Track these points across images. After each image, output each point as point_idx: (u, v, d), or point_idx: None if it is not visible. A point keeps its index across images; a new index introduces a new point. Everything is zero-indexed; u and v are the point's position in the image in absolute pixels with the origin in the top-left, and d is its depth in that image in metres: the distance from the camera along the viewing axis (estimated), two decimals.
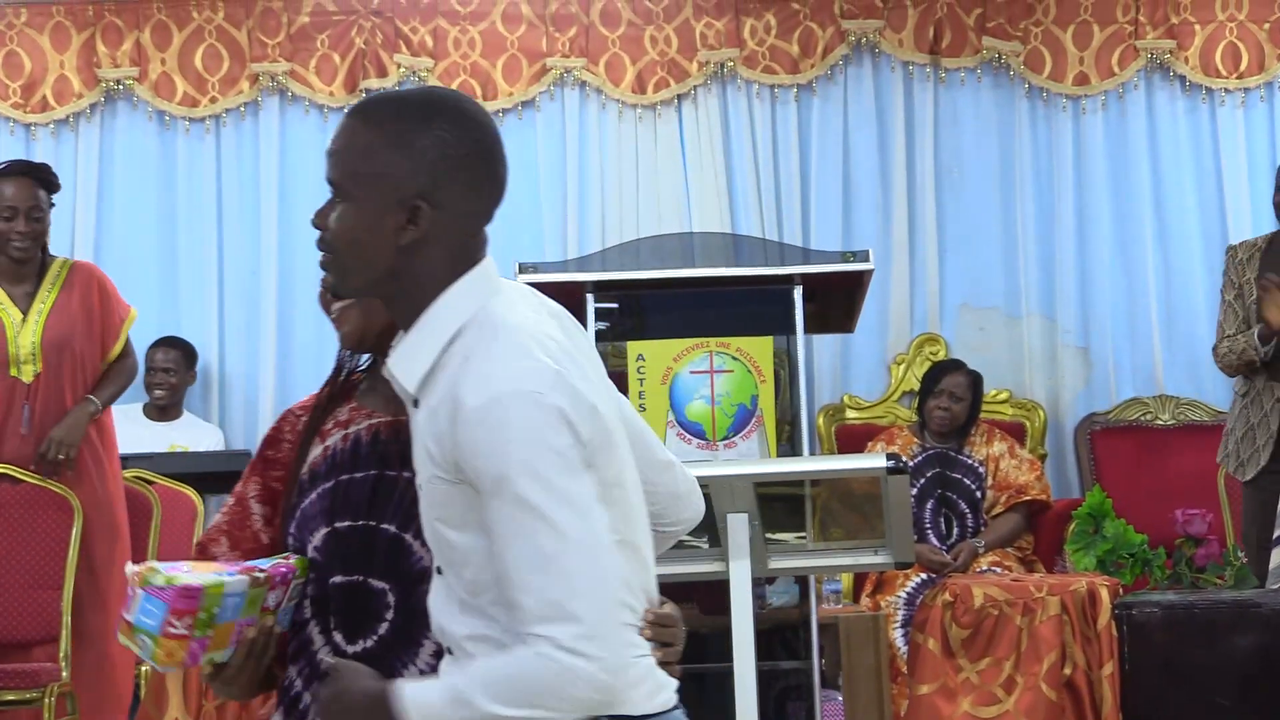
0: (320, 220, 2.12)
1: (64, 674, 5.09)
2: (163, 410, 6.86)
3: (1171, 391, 7.17)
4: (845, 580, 6.28)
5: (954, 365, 6.67)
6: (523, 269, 5.05)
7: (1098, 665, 5.05)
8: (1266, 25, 7.25)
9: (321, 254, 2.14)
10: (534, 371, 1.99)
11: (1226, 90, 7.23)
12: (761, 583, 5.18)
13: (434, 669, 2.13)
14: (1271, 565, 5.00)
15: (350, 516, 2.24)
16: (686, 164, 7.21)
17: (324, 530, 2.26)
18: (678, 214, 7.15)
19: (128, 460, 5.69)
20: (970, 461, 6.51)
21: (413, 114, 2.09)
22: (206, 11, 7.16)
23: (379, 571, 2.22)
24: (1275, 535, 5.02)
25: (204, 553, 2.37)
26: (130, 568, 2.16)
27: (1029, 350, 7.21)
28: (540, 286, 5.07)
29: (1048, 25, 7.26)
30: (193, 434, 6.84)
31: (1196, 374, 7.11)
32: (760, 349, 5.05)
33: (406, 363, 2.09)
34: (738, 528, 3.90)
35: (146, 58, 7.14)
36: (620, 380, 5.00)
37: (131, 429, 6.25)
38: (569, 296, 4.92)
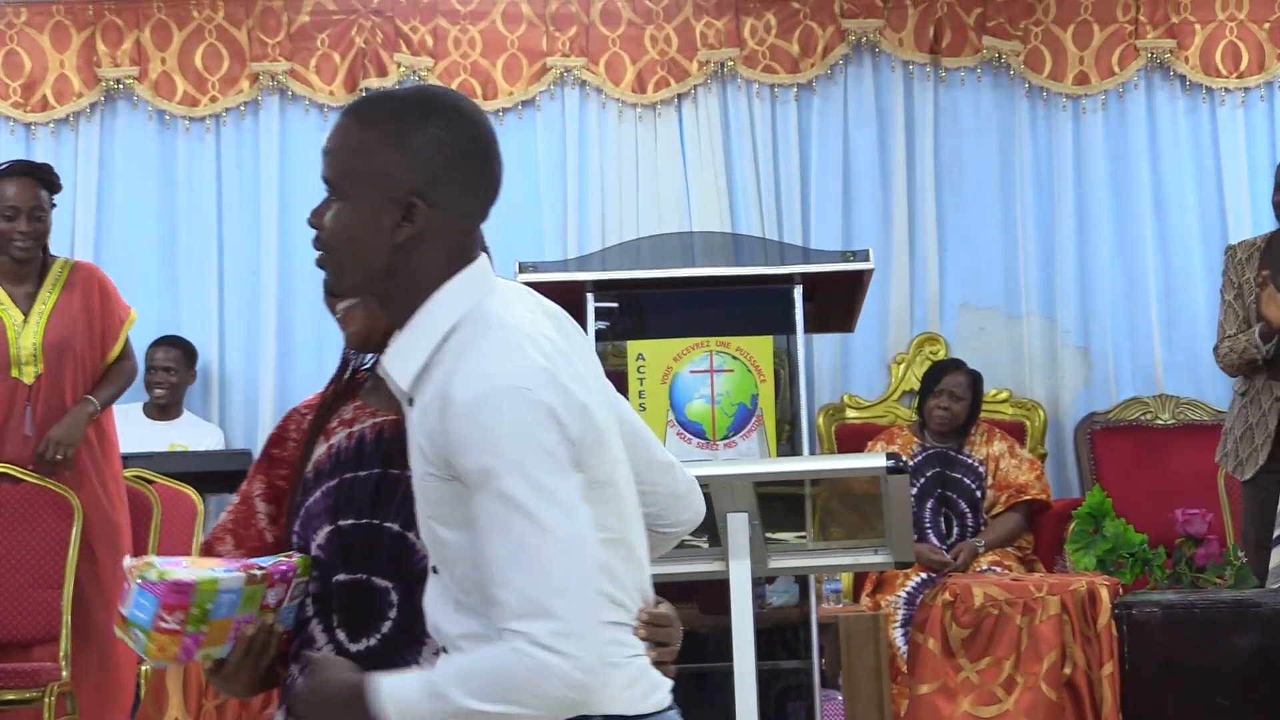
0: (316, 219, 2.12)
1: (64, 674, 5.09)
2: (163, 409, 6.86)
3: (1171, 391, 7.17)
4: (845, 580, 6.28)
5: (954, 365, 6.67)
6: (523, 269, 5.05)
7: (1098, 665, 5.05)
8: (1266, 25, 7.25)
9: (317, 253, 2.14)
10: (525, 368, 1.99)
11: (1226, 90, 7.23)
12: (761, 582, 5.18)
13: None
14: (1271, 565, 5.00)
15: (354, 515, 2.25)
16: (686, 164, 7.21)
17: (327, 528, 2.26)
18: (678, 214, 7.15)
19: (128, 460, 5.69)
20: (970, 461, 6.51)
21: (408, 112, 2.09)
22: (206, 11, 7.16)
23: (382, 570, 2.22)
24: (1275, 535, 5.02)
25: (210, 551, 2.37)
26: (127, 561, 2.17)
27: (1029, 350, 7.21)
28: (540, 286, 5.06)
29: (1048, 25, 7.26)
30: (193, 433, 6.84)
31: (1196, 374, 7.11)
32: (760, 349, 5.05)
33: (400, 360, 2.09)
34: (738, 527, 3.90)
35: (146, 57, 7.14)
36: (620, 380, 5.00)
37: (131, 428, 6.24)
38: (569, 296, 4.92)
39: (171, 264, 7.15)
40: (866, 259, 5.12)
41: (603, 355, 5.68)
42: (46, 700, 5.02)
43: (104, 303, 5.39)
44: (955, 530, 6.42)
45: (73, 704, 5.12)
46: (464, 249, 2.11)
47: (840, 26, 7.23)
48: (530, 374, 1.99)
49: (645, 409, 4.91)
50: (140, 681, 5.25)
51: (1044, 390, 7.20)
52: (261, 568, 2.19)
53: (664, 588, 2.40)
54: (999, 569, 6.17)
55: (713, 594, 4.32)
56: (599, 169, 7.19)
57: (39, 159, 6.09)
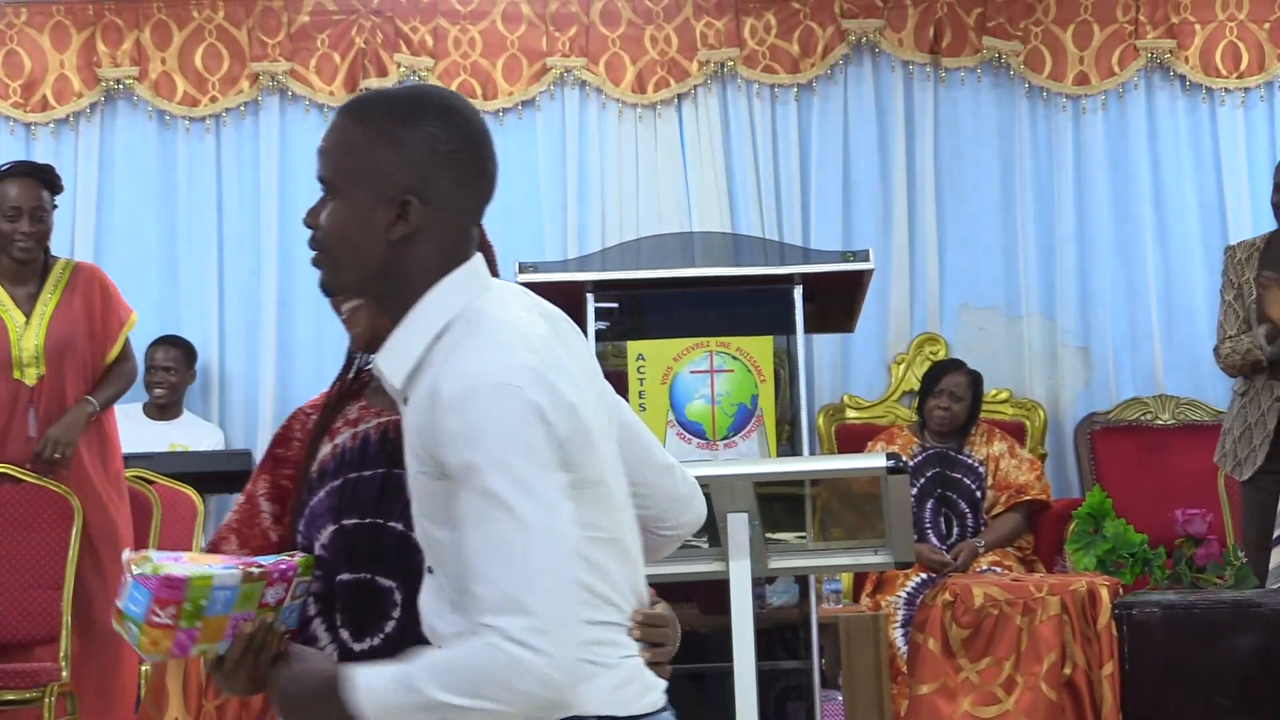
0: (311, 219, 2.13)
1: (64, 674, 5.09)
2: (163, 409, 6.87)
3: (1171, 391, 7.17)
4: (845, 580, 6.28)
5: (954, 365, 6.67)
6: (523, 269, 5.05)
7: (1098, 665, 5.05)
8: (1266, 25, 7.25)
9: (313, 253, 2.15)
10: (513, 366, 1.99)
11: (1226, 90, 7.23)
12: (761, 583, 5.18)
13: None
14: (1271, 565, 5.00)
15: (357, 514, 2.25)
16: (686, 164, 7.21)
17: (331, 528, 2.26)
18: (678, 214, 7.15)
19: (128, 460, 5.68)
20: (970, 461, 6.51)
21: (402, 111, 2.10)
22: (206, 11, 7.16)
23: (386, 569, 2.22)
24: (1275, 535, 5.02)
25: (215, 551, 2.37)
26: (126, 554, 2.17)
27: (1029, 350, 7.21)
28: (540, 286, 5.06)
29: (1048, 25, 7.26)
30: (193, 433, 6.84)
31: (1196, 374, 7.11)
32: (760, 349, 5.05)
33: (393, 358, 2.10)
34: (738, 528, 3.90)
35: (146, 57, 7.14)
36: (620, 380, 5.00)
37: (131, 428, 6.24)
38: (569, 296, 4.92)
39: (171, 264, 7.15)
40: (866, 259, 5.12)
41: (603, 355, 5.71)
42: (46, 700, 5.02)
43: (104, 303, 5.39)
44: (955, 530, 6.42)
45: (72, 704, 5.12)
46: (458, 247, 2.12)
47: (840, 26, 7.23)
48: (518, 371, 1.99)
49: (645, 409, 4.91)
50: (140, 681, 5.25)
51: (1044, 390, 7.20)
52: (260, 566, 2.19)
53: (664, 588, 2.40)
54: (999, 569, 6.17)
55: (713, 594, 4.32)
56: (599, 169, 7.19)
57: (39, 159, 6.10)
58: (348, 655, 2.21)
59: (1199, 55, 7.23)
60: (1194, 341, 7.07)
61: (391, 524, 2.23)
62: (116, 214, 7.17)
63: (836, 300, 5.36)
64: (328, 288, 2.19)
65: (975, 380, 6.61)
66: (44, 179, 5.33)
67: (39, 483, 5.20)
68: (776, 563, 4.20)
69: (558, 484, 1.98)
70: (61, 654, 5.12)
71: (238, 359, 7.12)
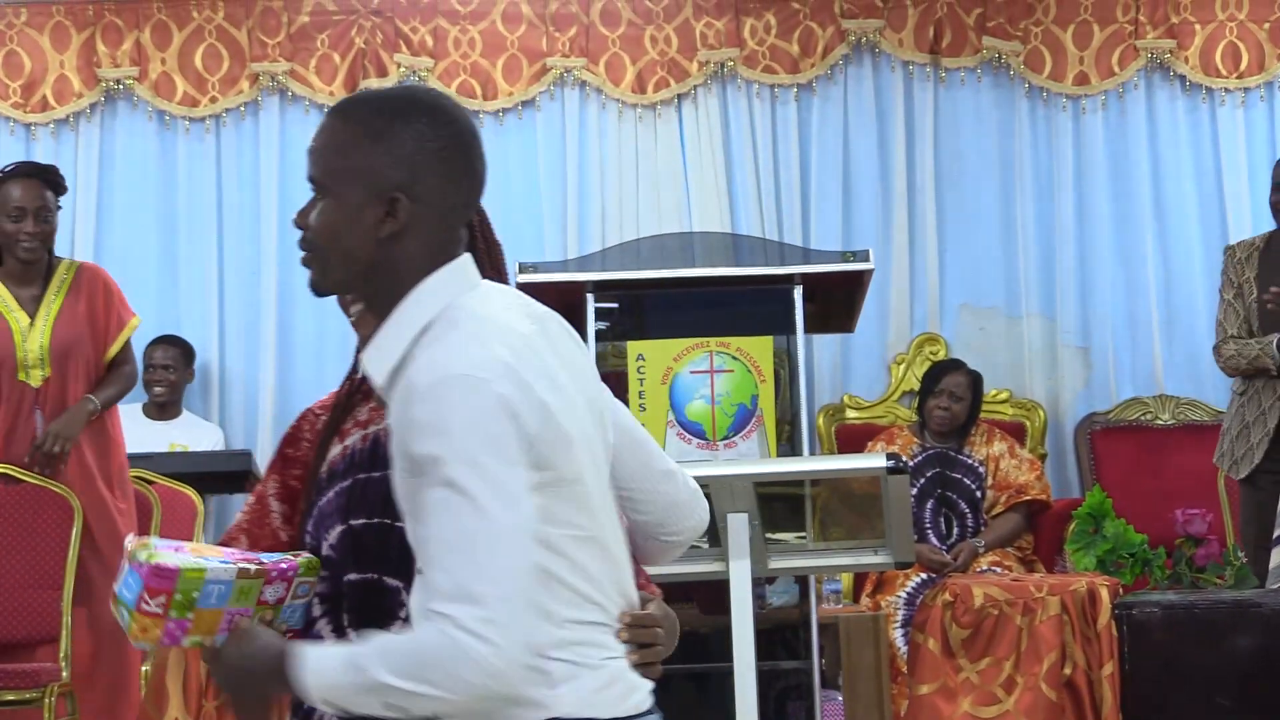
0: (301, 220, 2.15)
1: (64, 674, 5.09)
2: (162, 408, 6.87)
3: (1171, 391, 7.17)
4: (845, 580, 6.28)
5: (954, 365, 6.67)
6: (523, 269, 5.05)
7: (1098, 665, 5.05)
8: (1266, 25, 7.25)
9: (303, 253, 2.16)
10: (483, 359, 2.00)
11: (1226, 90, 7.24)
12: (761, 583, 5.18)
13: None
14: (1271, 565, 5.00)
15: (365, 514, 2.25)
16: (686, 164, 7.21)
17: (340, 528, 2.26)
18: (678, 214, 7.15)
19: (128, 460, 5.69)
20: (970, 461, 6.51)
21: (390, 110, 2.12)
22: (206, 11, 7.16)
23: (393, 569, 2.22)
24: (1275, 535, 5.02)
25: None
26: (129, 539, 2.17)
27: (1029, 350, 7.21)
28: (540, 286, 5.07)
29: (1048, 25, 7.26)
30: (193, 433, 6.84)
31: (1196, 374, 7.11)
32: (760, 349, 5.05)
33: (378, 357, 2.11)
34: (738, 528, 3.90)
35: (146, 57, 7.15)
36: (620, 380, 5.00)
37: (131, 428, 6.23)
38: (569, 296, 4.92)
39: (171, 264, 7.15)
40: (866, 259, 5.12)
41: (603, 355, 5.72)
42: (47, 700, 5.02)
43: (107, 304, 5.39)
44: (955, 530, 6.42)
45: (72, 704, 5.12)
46: (446, 245, 2.13)
47: (840, 27, 7.23)
48: (487, 364, 1.99)
49: (645, 409, 4.91)
50: (141, 681, 5.25)
51: (1044, 390, 7.20)
52: (260, 563, 2.19)
53: (664, 588, 2.39)
54: (999, 569, 6.17)
55: (713, 594, 4.32)
56: (599, 169, 7.19)
57: (39, 159, 6.09)
58: None
59: (1199, 55, 7.23)
60: (1194, 341, 7.07)
61: (399, 525, 2.23)
62: (116, 214, 7.17)
63: (836, 300, 5.36)
64: (317, 287, 2.20)
65: (975, 380, 6.61)
66: (48, 180, 5.33)
67: (39, 483, 5.20)
68: (776, 563, 4.20)
69: (522, 479, 1.98)
70: (61, 654, 5.11)
71: (237, 359, 7.12)
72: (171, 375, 6.84)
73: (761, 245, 6.34)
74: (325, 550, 2.27)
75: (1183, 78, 7.26)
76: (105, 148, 7.19)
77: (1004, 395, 7.13)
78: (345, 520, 2.26)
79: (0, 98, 7.12)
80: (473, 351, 2.00)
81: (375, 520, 2.24)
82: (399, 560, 2.22)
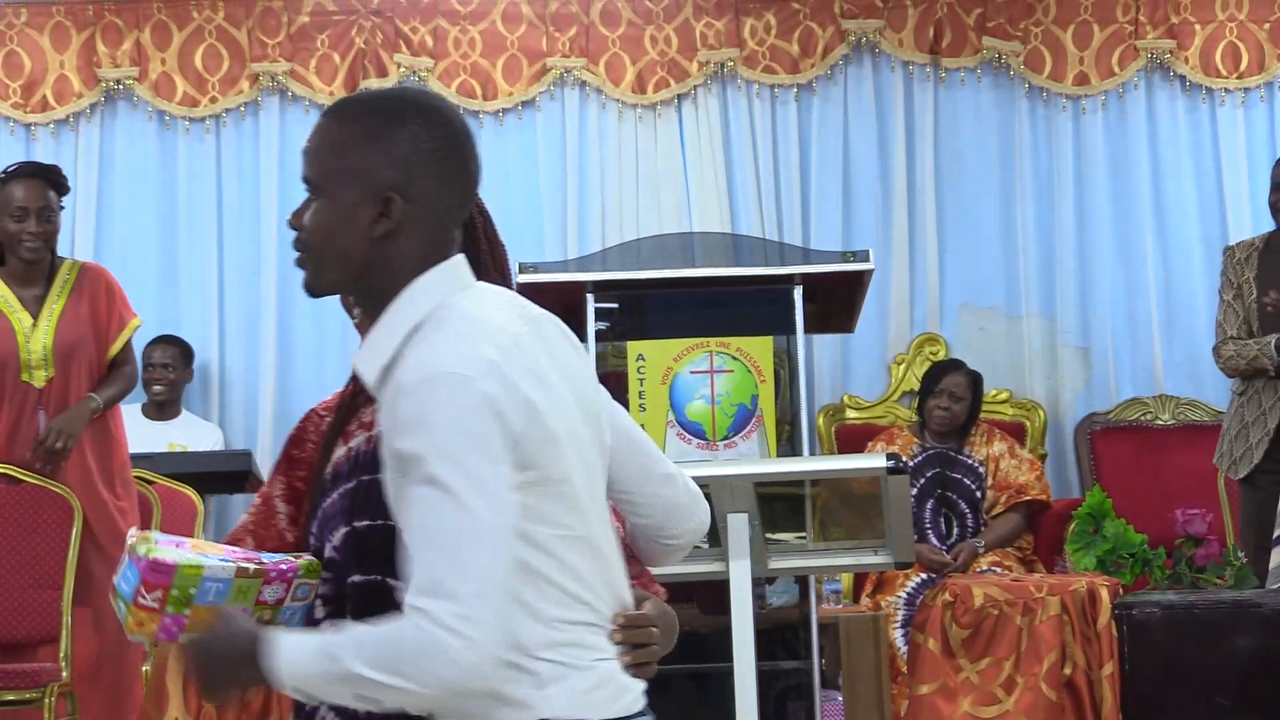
0: (296, 220, 2.18)
1: (64, 674, 5.09)
2: (161, 408, 6.87)
3: (1171, 391, 7.17)
4: (845, 580, 6.28)
5: (954, 365, 6.67)
6: (523, 269, 5.05)
7: (1098, 665, 5.05)
8: (1266, 25, 7.25)
9: (297, 254, 2.17)
10: (469, 357, 2.00)
11: (1226, 90, 7.24)
12: (761, 583, 5.18)
13: None
14: (1271, 565, 5.00)
15: (369, 516, 2.25)
16: (686, 164, 7.21)
17: (343, 530, 2.26)
18: (678, 214, 7.15)
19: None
20: (970, 461, 6.51)
21: (384, 110, 2.13)
22: (206, 11, 7.16)
23: (397, 571, 2.22)
24: (1275, 535, 5.02)
25: None
26: (131, 533, 2.17)
27: (1029, 350, 7.21)
28: (540, 286, 5.06)
29: (1048, 25, 7.27)
30: (192, 433, 6.84)
31: (1196, 374, 7.11)
32: (760, 349, 5.05)
33: (369, 357, 2.11)
34: (738, 528, 3.90)
35: (146, 58, 7.15)
36: (620, 380, 5.00)
37: (131, 428, 6.22)
38: (569, 296, 4.92)
39: (171, 264, 7.15)
40: (866, 259, 5.12)
41: (603, 355, 5.72)
42: (47, 701, 5.02)
43: (109, 305, 5.39)
44: (955, 531, 6.42)
45: (73, 704, 5.12)
46: (440, 245, 2.13)
47: (840, 27, 7.23)
48: (473, 362, 2.00)
49: (645, 410, 4.91)
50: (141, 681, 5.26)
51: (1044, 390, 7.19)
52: (260, 563, 2.19)
53: (664, 588, 2.39)
54: (999, 569, 6.17)
55: (713, 594, 4.32)
56: (599, 169, 7.19)
57: (39, 160, 6.09)
58: None
59: (1199, 55, 7.23)
60: (1194, 341, 7.07)
61: None
62: (116, 214, 7.17)
63: (836, 300, 5.36)
64: (311, 288, 2.20)
65: (975, 380, 6.61)
66: (51, 180, 5.33)
67: (39, 483, 5.20)
68: (776, 563, 4.20)
69: (505, 477, 1.98)
70: (61, 654, 5.11)
71: (237, 359, 7.12)
72: (171, 375, 6.85)
73: (761, 245, 6.34)
74: (329, 552, 2.26)
75: (1183, 78, 7.26)
76: (105, 148, 7.19)
77: (1004, 395, 7.14)
78: (349, 522, 2.26)
79: (0, 98, 7.12)
80: (459, 350, 2.01)
81: (379, 522, 2.24)
82: (402, 562, 2.22)
